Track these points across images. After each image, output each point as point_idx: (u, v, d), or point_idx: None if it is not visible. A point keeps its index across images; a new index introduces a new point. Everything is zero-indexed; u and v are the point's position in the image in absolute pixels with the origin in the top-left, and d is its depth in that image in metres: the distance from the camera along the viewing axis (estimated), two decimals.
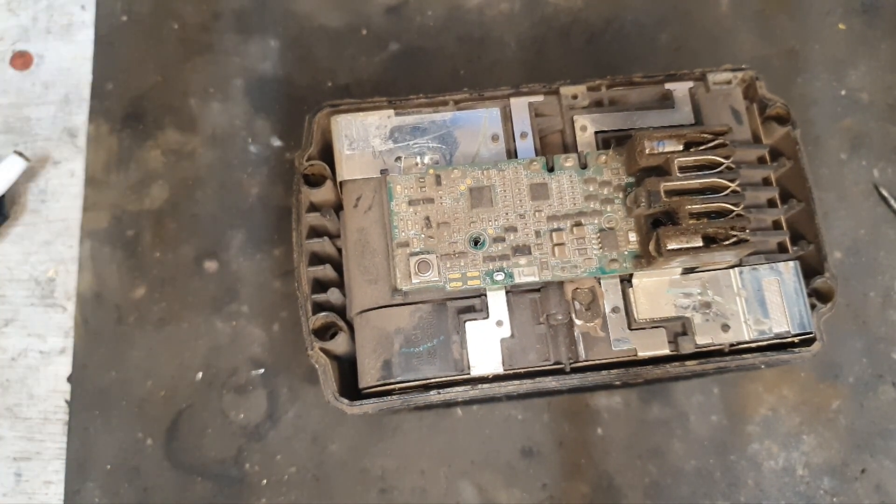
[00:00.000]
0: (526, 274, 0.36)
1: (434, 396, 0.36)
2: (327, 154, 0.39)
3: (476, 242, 0.36)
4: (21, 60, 0.49)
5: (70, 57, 0.49)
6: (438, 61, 0.48)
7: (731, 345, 0.36)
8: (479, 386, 0.36)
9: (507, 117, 0.39)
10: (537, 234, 0.36)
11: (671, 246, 0.34)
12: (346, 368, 0.39)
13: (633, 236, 0.36)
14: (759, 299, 0.37)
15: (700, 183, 0.35)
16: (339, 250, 0.39)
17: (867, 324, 0.44)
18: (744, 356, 0.36)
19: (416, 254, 0.35)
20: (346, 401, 0.36)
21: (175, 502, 0.43)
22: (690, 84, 0.40)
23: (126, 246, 0.47)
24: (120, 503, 0.43)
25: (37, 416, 0.45)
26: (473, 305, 0.37)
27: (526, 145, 0.39)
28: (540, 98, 0.40)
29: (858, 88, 0.48)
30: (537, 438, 0.42)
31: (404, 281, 0.35)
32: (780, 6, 0.50)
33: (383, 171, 0.37)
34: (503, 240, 0.36)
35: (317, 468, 0.43)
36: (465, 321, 0.36)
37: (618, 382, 0.39)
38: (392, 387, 0.36)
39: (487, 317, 0.36)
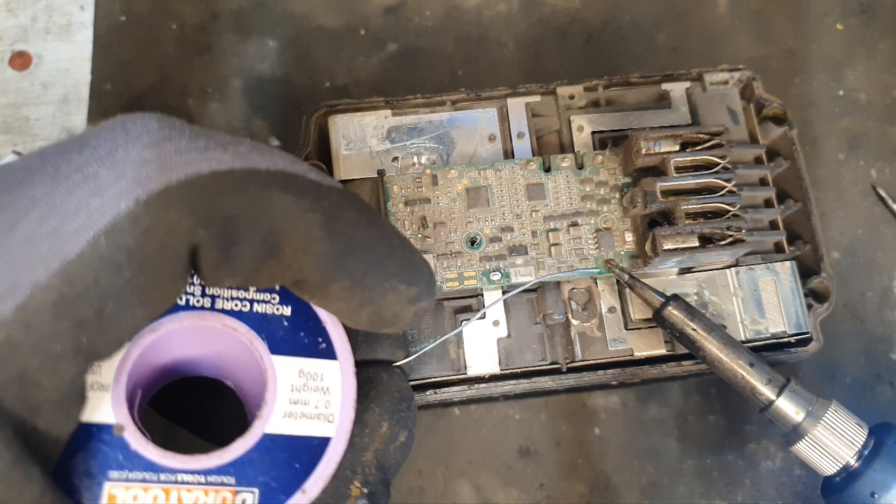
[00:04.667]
0: (522, 274, 0.36)
1: (431, 396, 0.36)
2: (325, 154, 0.39)
3: (472, 242, 0.36)
4: (20, 60, 0.49)
5: (69, 57, 0.50)
6: (436, 62, 0.48)
7: None
8: (476, 386, 0.36)
9: (503, 117, 0.39)
10: (534, 234, 0.36)
11: (667, 246, 0.34)
12: None
13: (629, 236, 0.36)
14: (755, 299, 0.37)
15: (696, 183, 0.35)
16: None
17: (865, 324, 0.44)
18: None
19: None
20: None
21: None
22: (687, 84, 0.40)
23: None
24: None
25: None
26: (470, 305, 0.37)
27: (523, 145, 0.39)
28: (537, 98, 0.40)
29: (856, 89, 0.48)
30: (535, 438, 0.42)
31: None
32: (778, 6, 0.49)
33: (380, 172, 0.37)
34: (500, 240, 0.36)
35: None
36: (461, 321, 0.36)
37: (614, 382, 0.39)
38: None
39: (484, 317, 0.36)
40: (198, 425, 0.33)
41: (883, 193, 0.46)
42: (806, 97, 0.48)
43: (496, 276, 0.36)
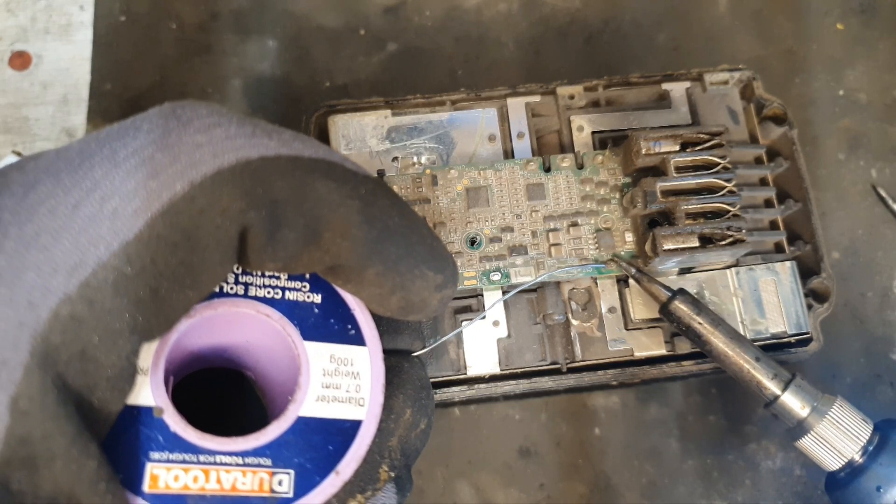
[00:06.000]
0: (522, 274, 0.36)
1: None
2: None
3: (472, 242, 0.36)
4: (20, 60, 0.49)
5: (69, 57, 0.50)
6: (436, 61, 0.48)
7: None
8: (476, 386, 0.36)
9: (503, 117, 0.39)
10: (533, 234, 0.36)
11: (667, 246, 0.34)
12: None
13: (629, 236, 0.36)
14: (755, 299, 0.37)
15: (696, 183, 0.35)
16: None
17: (865, 324, 0.44)
18: None
19: None
20: None
21: None
22: (687, 84, 0.40)
23: None
24: None
25: None
26: (470, 305, 0.37)
27: (523, 145, 0.39)
28: (537, 98, 0.40)
29: (856, 89, 0.48)
30: (535, 438, 0.42)
31: None
32: (779, 6, 0.49)
33: (380, 172, 0.37)
34: (500, 240, 0.36)
35: None
36: (461, 321, 0.36)
37: (615, 382, 0.39)
38: None
39: (484, 317, 0.36)
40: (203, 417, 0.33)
41: (883, 193, 0.46)
42: (806, 97, 0.48)
43: (496, 277, 0.36)
